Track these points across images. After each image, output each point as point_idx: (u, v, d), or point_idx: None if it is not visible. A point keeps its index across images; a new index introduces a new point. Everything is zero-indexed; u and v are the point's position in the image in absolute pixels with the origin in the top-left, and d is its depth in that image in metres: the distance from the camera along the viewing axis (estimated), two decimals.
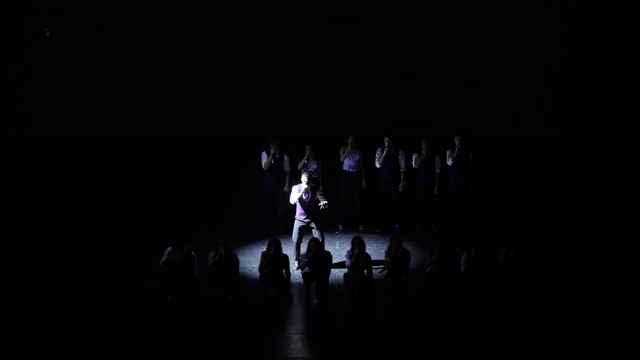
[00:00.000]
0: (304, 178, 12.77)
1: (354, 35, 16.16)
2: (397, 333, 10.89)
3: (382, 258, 12.09)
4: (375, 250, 13.38)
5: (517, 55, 16.02)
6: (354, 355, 10.31)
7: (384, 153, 14.40)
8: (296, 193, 12.75)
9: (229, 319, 11.18)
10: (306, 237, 12.77)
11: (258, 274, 11.81)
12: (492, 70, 16.05)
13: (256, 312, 11.42)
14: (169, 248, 11.76)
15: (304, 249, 12.45)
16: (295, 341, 10.60)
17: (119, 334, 10.59)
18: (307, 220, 12.77)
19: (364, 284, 11.74)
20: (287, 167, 14.42)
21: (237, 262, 11.80)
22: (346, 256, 11.85)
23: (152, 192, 15.76)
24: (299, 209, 12.80)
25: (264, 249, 11.89)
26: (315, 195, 12.73)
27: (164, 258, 11.70)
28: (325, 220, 13.15)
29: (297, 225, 12.81)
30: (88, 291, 11.93)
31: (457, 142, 14.17)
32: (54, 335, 10.56)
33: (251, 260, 13.05)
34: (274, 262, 11.68)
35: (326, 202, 12.73)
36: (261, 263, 11.72)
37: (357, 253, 11.70)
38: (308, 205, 12.72)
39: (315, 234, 12.71)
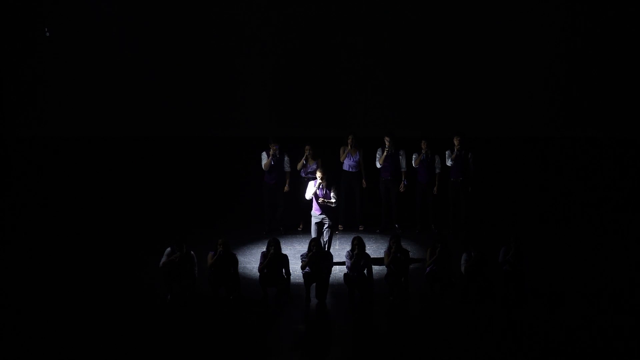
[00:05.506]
0: (318, 174, 12.83)
1: (354, 36, 16.15)
2: (397, 333, 10.89)
3: (382, 257, 12.10)
4: (375, 250, 13.39)
5: (517, 56, 16.02)
6: (354, 355, 10.31)
7: (385, 153, 14.41)
8: (311, 188, 12.81)
9: (229, 319, 11.18)
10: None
11: (258, 274, 11.80)
12: (492, 70, 16.04)
13: (256, 312, 11.42)
14: (168, 249, 11.75)
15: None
16: (295, 341, 10.60)
17: (119, 334, 10.59)
18: (321, 215, 12.82)
19: (364, 284, 11.74)
20: (287, 167, 14.43)
21: (236, 262, 11.79)
22: (346, 256, 11.85)
23: (152, 192, 15.75)
24: (314, 205, 12.85)
25: (264, 249, 11.89)
26: (330, 191, 12.78)
27: (163, 259, 11.70)
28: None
29: (313, 221, 12.89)
30: (88, 291, 11.93)
31: (456, 142, 14.20)
32: (54, 334, 10.56)
33: (251, 260, 13.06)
34: (274, 262, 11.68)
35: (333, 201, 12.78)
36: (261, 263, 11.72)
37: (357, 253, 11.71)
38: (323, 200, 12.77)
39: (326, 234, 12.78)
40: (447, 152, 14.35)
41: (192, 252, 11.81)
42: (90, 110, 16.29)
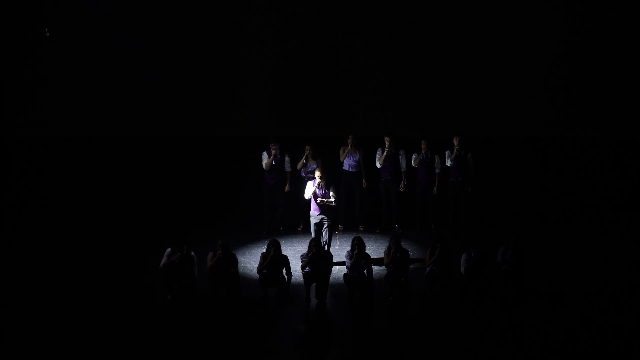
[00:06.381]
0: (317, 173, 12.81)
1: (354, 36, 16.15)
2: (397, 333, 10.89)
3: (382, 258, 12.10)
4: (375, 250, 13.38)
5: (517, 56, 16.01)
6: (354, 355, 10.31)
7: (385, 153, 14.41)
8: (310, 187, 12.80)
9: (229, 319, 11.17)
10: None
11: (258, 274, 11.82)
12: (492, 70, 16.04)
13: (256, 312, 11.42)
14: (169, 249, 11.75)
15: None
16: (295, 341, 10.59)
17: (119, 334, 10.59)
18: (320, 216, 12.80)
19: (364, 284, 11.73)
20: (288, 167, 14.42)
21: (236, 261, 11.78)
22: (346, 256, 11.84)
23: (152, 192, 15.75)
24: (313, 205, 12.83)
25: (264, 250, 11.89)
26: (329, 191, 12.77)
27: (163, 260, 11.69)
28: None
29: (312, 222, 12.86)
30: (88, 291, 11.93)
31: (456, 143, 14.20)
32: (54, 334, 10.56)
33: (251, 260, 13.05)
34: (274, 263, 11.67)
35: (332, 200, 12.77)
36: (260, 264, 11.71)
37: (357, 253, 11.70)
38: (322, 200, 12.75)
39: (325, 234, 12.78)
40: (446, 152, 14.35)
41: (192, 253, 11.81)
42: (90, 110, 16.28)
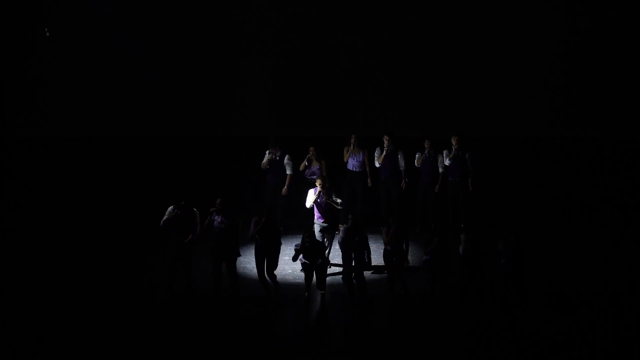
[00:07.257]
0: (318, 182, 12.75)
1: (354, 36, 16.16)
2: (397, 333, 10.89)
3: (382, 258, 12.11)
4: (375, 250, 13.35)
5: (517, 56, 16.02)
6: (354, 355, 10.31)
7: (384, 153, 14.39)
8: (311, 196, 12.73)
9: (229, 318, 11.17)
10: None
11: (257, 274, 11.83)
12: (492, 70, 16.05)
13: (256, 312, 11.42)
14: (171, 207, 11.78)
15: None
16: (295, 341, 10.60)
17: (119, 333, 10.59)
18: (325, 224, 12.76)
19: (364, 284, 11.74)
20: (289, 170, 14.35)
21: (237, 225, 11.83)
22: (342, 230, 11.94)
23: (152, 192, 15.73)
24: (316, 213, 12.79)
25: (256, 218, 11.95)
26: (331, 198, 12.72)
27: (165, 217, 11.70)
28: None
29: (316, 228, 12.82)
30: (88, 291, 11.93)
31: (454, 142, 14.21)
32: (54, 334, 10.56)
33: (251, 260, 13.03)
34: (266, 230, 11.75)
35: (338, 202, 12.74)
36: (252, 230, 11.83)
37: (348, 228, 11.75)
38: (324, 208, 12.70)
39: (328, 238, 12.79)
40: (444, 152, 14.37)
41: (194, 209, 11.82)
42: (90, 110, 16.28)
